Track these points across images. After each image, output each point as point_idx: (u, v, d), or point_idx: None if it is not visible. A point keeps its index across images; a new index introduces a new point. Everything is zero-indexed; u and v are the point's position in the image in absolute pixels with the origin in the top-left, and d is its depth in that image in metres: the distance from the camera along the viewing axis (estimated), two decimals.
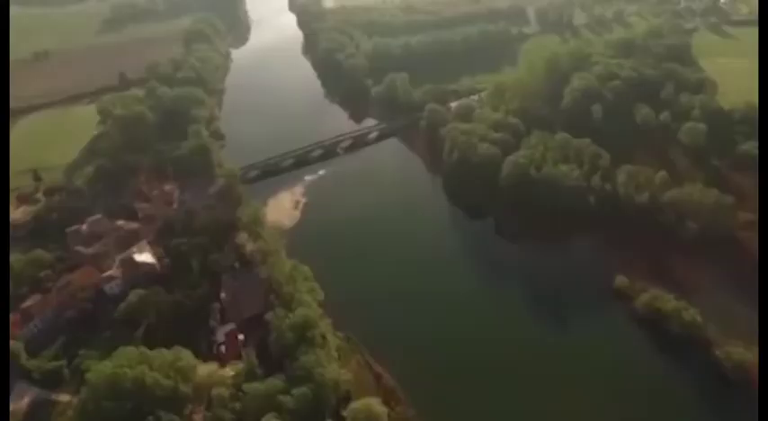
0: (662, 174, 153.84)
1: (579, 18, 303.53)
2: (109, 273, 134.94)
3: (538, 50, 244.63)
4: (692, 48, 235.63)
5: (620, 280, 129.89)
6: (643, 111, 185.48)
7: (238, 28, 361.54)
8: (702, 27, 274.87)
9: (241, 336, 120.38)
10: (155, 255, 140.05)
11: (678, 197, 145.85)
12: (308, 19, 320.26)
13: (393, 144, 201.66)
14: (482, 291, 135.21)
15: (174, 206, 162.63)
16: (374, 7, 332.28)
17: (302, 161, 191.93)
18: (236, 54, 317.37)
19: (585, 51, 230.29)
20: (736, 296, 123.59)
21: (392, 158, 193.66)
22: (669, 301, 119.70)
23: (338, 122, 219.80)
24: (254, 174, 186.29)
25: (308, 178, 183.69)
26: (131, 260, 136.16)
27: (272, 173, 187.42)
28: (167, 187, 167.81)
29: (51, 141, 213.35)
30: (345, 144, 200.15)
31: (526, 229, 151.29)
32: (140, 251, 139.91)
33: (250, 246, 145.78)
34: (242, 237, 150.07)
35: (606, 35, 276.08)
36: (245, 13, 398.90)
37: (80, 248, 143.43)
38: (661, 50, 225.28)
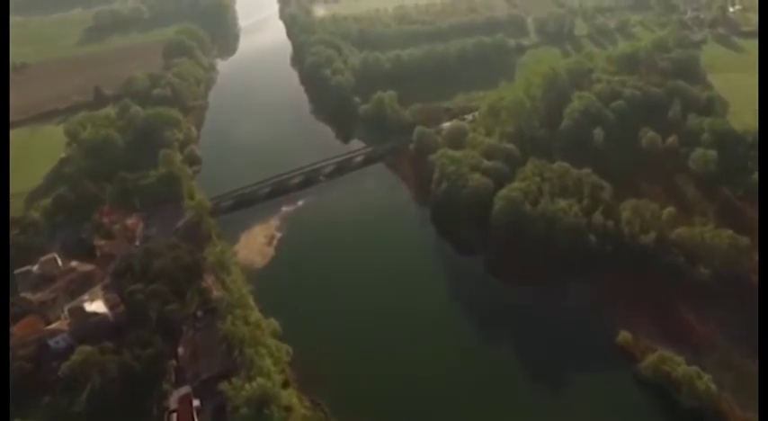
0: (669, 210, 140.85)
1: (580, 29, 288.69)
2: (55, 325, 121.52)
3: (536, 65, 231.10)
4: (699, 62, 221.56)
5: (624, 336, 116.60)
6: (648, 135, 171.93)
7: (226, 37, 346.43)
8: (710, 39, 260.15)
9: (197, 402, 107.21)
10: (108, 303, 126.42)
11: (688, 237, 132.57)
12: (296, 30, 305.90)
13: (379, 170, 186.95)
14: (469, 342, 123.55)
15: (137, 243, 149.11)
16: (366, 17, 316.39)
17: (281, 189, 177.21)
18: (223, 65, 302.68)
19: (586, 66, 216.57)
20: (752, 354, 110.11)
21: (377, 187, 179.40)
22: (679, 365, 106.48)
23: (323, 143, 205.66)
24: (227, 204, 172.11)
25: (285, 209, 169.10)
26: (81, 310, 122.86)
27: (248, 203, 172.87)
28: (130, 221, 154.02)
29: (17, 165, 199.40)
30: (328, 170, 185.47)
31: (520, 271, 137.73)
32: (92, 299, 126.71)
33: (216, 292, 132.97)
34: (208, 280, 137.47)
35: (609, 47, 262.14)
36: (235, 21, 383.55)
37: (26, 294, 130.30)
38: (667, 65, 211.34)
